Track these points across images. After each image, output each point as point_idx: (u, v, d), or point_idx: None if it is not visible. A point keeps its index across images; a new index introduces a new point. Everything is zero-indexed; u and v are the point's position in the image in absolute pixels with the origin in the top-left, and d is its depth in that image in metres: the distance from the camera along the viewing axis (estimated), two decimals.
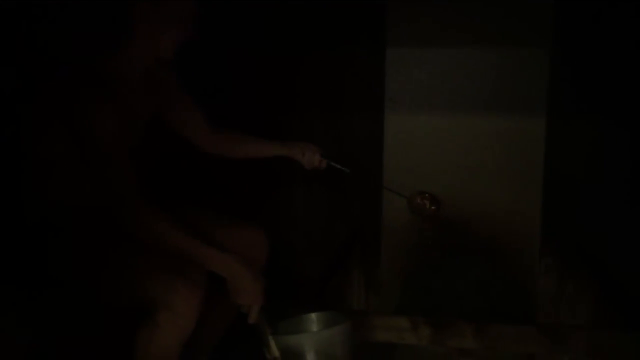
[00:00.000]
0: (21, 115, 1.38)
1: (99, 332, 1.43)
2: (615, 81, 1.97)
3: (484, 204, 2.07)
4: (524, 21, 1.96)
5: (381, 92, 2.11)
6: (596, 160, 2.03)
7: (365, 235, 2.22)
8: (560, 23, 1.95)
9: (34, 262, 1.36)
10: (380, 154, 2.13)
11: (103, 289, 1.35)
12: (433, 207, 1.80)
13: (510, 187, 2.04)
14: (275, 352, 1.34)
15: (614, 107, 1.98)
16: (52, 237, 1.37)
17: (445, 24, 2.01)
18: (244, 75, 2.24)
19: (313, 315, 1.48)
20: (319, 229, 2.30)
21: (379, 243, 2.18)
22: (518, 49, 1.97)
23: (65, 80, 1.29)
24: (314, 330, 1.44)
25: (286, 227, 2.31)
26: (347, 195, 2.26)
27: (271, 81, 2.24)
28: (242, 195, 2.32)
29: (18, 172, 1.39)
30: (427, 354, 1.83)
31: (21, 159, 1.39)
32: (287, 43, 2.20)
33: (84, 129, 1.26)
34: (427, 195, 1.81)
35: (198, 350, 1.52)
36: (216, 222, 1.59)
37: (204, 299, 1.29)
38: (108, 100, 1.27)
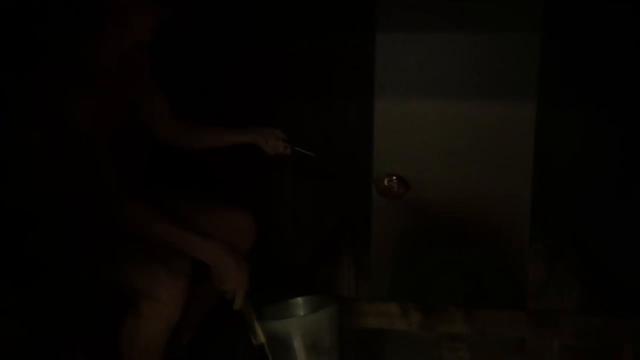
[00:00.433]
0: (0, 105, 1.35)
1: (87, 323, 1.42)
2: (606, 67, 1.97)
3: (474, 190, 2.07)
4: (515, 6, 1.95)
5: (371, 78, 2.10)
6: (586, 145, 2.04)
7: (355, 222, 2.21)
8: (550, 8, 1.95)
9: (17, 253, 1.35)
10: (370, 140, 2.13)
11: (87, 280, 1.34)
12: (402, 190, 1.78)
13: (500, 173, 2.05)
14: (262, 337, 1.33)
15: (604, 92, 1.98)
16: (35, 227, 1.35)
17: (435, 10, 2.00)
18: (232, 63, 2.22)
19: (299, 300, 1.47)
20: (308, 216, 2.29)
21: (369, 230, 2.18)
22: (508, 34, 1.97)
23: (42, 68, 1.26)
24: (300, 315, 1.44)
25: (275, 214, 2.30)
26: (337, 182, 2.25)
27: (260, 69, 2.21)
28: (231, 183, 2.30)
29: (0, 162, 1.37)
30: (418, 340, 1.84)
31: (2, 149, 1.37)
32: (276, 30, 2.17)
33: (62, 117, 1.23)
34: (394, 178, 1.79)
35: (180, 330, 1.51)
36: (202, 207, 1.57)
37: (188, 288, 1.28)
38: (85, 88, 1.25)
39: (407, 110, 2.07)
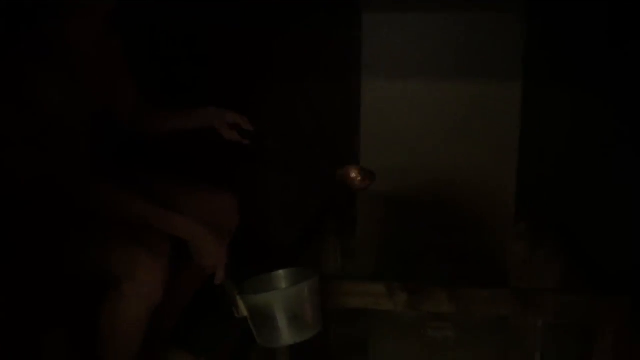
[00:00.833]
0: None
1: (67, 305, 1.41)
2: (591, 47, 1.97)
3: (459, 170, 2.08)
4: None
5: (357, 59, 2.08)
6: (571, 126, 2.05)
7: (341, 203, 2.21)
8: None
9: None
10: (357, 121, 2.12)
11: (65, 263, 1.32)
12: (367, 182, 1.77)
13: (485, 153, 2.06)
14: (244, 311, 1.33)
15: (589, 73, 1.99)
16: (10, 210, 1.32)
17: None
18: (218, 45, 2.19)
19: (281, 272, 1.47)
20: (293, 197, 2.29)
21: (354, 210, 2.18)
22: (494, 13, 1.96)
23: (15, 53, 1.22)
24: (282, 288, 1.44)
25: (261, 195, 2.29)
26: (322, 162, 2.24)
27: (246, 51, 2.19)
28: (215, 165, 2.29)
29: None
30: (403, 319, 1.86)
31: None
32: (261, 11, 2.14)
33: (34, 101, 1.21)
34: (358, 169, 1.78)
35: (165, 315, 1.51)
36: (185, 188, 1.56)
37: (169, 267, 1.28)
38: (58, 72, 1.22)
39: (394, 91, 2.06)
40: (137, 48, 1.56)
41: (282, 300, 1.31)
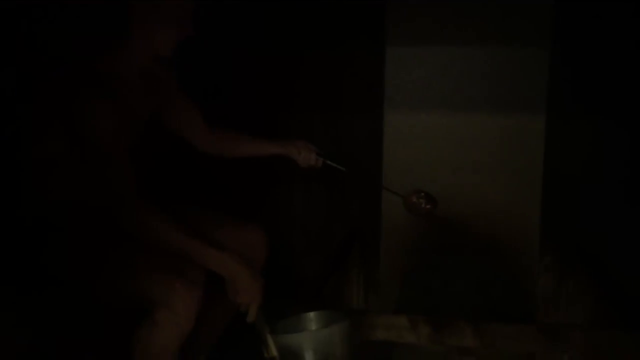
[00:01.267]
0: (20, 114, 1.38)
1: (99, 332, 1.43)
2: (615, 80, 1.96)
3: (484, 203, 2.07)
4: (524, 20, 1.96)
5: (380, 91, 2.11)
6: (596, 159, 2.03)
7: (365, 234, 2.21)
8: (560, 22, 1.95)
9: (32, 261, 1.36)
10: (380, 153, 2.13)
11: (102, 289, 1.35)
12: (428, 206, 1.80)
13: (509, 186, 2.04)
14: (274, 351, 1.33)
15: (613, 106, 1.98)
16: (51, 236, 1.36)
17: (445, 23, 2.02)
18: (243, 74, 2.24)
19: (311, 314, 1.47)
20: (318, 228, 2.30)
21: (378, 242, 2.18)
22: (518, 47, 1.97)
23: (65, 80, 1.29)
24: (312, 329, 1.44)
25: (285, 226, 2.31)
26: (347, 194, 2.26)
27: (270, 80, 2.23)
28: (241, 195, 2.32)
29: (17, 171, 1.39)
30: (427, 353, 1.83)
31: (20, 158, 1.39)
32: (286, 42, 2.19)
33: (83, 128, 1.26)
34: (422, 194, 1.80)
35: (197, 349, 1.52)
36: (215, 222, 1.58)
37: (203, 299, 1.29)
38: (107, 100, 1.27)
39: (416, 122, 2.07)
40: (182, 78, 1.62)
41: (313, 342, 1.31)
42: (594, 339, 1.49)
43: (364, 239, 2.21)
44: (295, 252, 2.31)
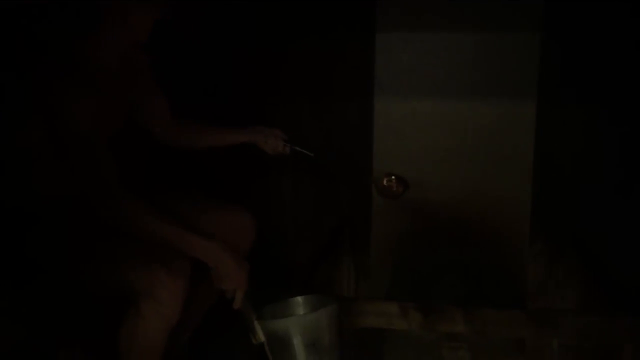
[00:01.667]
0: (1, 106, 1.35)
1: (89, 323, 1.42)
2: (606, 67, 1.96)
3: (474, 190, 2.07)
4: (515, 6, 1.95)
5: (370, 78, 2.10)
6: (586, 145, 2.04)
7: (355, 221, 2.21)
8: (551, 8, 1.94)
9: (16, 253, 1.34)
10: (370, 140, 2.13)
11: (87, 280, 1.34)
12: (400, 189, 1.80)
13: (500, 173, 2.05)
14: (261, 337, 1.33)
15: (604, 92, 1.98)
16: (34, 227, 1.35)
17: (435, 10, 2.00)
18: (230, 63, 2.22)
19: (299, 299, 1.46)
20: (308, 216, 2.29)
21: (369, 229, 2.18)
22: (509, 33, 1.96)
23: (42, 70, 1.26)
24: (300, 314, 1.43)
25: (276, 214, 2.30)
26: (337, 181, 2.25)
27: (258, 69, 2.21)
28: (231, 184, 2.30)
29: None
30: (417, 339, 1.84)
31: (1, 148, 1.37)
32: (274, 30, 2.17)
33: (62, 117, 1.24)
34: (393, 177, 1.81)
35: (180, 329, 1.51)
36: (202, 207, 1.57)
37: (188, 288, 1.28)
38: (85, 88, 1.25)
39: (407, 110, 2.07)
40: (160, 66, 1.59)
41: (300, 327, 1.30)
42: (583, 324, 1.50)
43: (354, 226, 2.21)
44: (286, 240, 2.31)
